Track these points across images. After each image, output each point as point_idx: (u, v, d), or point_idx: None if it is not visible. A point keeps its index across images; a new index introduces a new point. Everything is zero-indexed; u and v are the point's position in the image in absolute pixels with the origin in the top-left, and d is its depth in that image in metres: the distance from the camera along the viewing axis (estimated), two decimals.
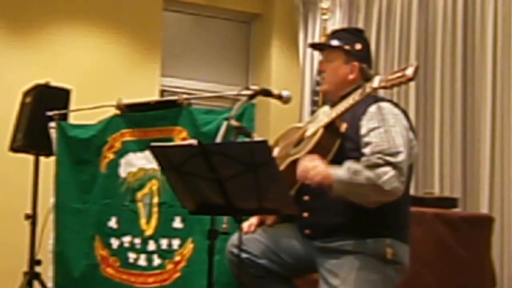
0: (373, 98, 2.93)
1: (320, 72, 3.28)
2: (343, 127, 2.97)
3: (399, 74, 2.69)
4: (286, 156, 3.03)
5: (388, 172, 2.76)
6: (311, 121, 3.12)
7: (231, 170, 2.66)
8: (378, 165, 2.78)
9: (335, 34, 3.30)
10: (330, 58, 3.19)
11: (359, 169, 2.79)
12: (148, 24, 6.77)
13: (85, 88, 5.95)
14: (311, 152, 2.91)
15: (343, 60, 3.15)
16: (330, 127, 2.92)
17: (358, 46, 3.18)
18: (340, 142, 2.93)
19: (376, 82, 2.77)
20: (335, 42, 3.19)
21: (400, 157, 2.80)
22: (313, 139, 2.92)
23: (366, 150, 2.85)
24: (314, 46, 3.53)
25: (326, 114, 3.01)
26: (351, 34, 3.26)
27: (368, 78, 3.03)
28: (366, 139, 2.89)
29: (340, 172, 2.80)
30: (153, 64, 6.76)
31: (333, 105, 3.04)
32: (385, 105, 2.99)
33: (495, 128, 4.74)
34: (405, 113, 3.07)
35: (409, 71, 2.66)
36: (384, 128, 2.87)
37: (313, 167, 2.83)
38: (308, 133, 3.01)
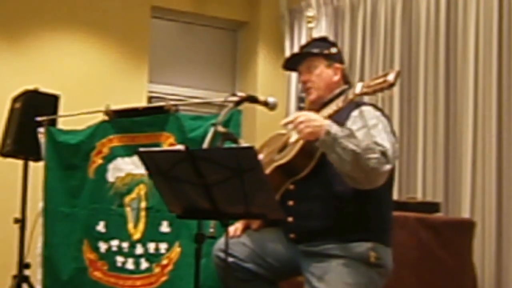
0: (355, 103, 2.96)
1: (303, 83, 3.25)
2: None
3: (380, 80, 2.72)
4: (271, 162, 3.05)
5: (377, 154, 2.75)
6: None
7: (218, 175, 2.67)
8: (372, 146, 2.76)
9: (307, 46, 3.34)
10: (311, 65, 3.21)
11: (355, 135, 2.79)
12: (136, 31, 6.78)
13: (73, 94, 5.96)
14: (294, 158, 2.94)
15: (325, 65, 3.19)
16: None
17: (334, 50, 3.24)
18: None
19: (358, 88, 2.80)
20: (313, 50, 3.22)
21: (387, 147, 2.79)
22: (297, 146, 2.94)
23: None
24: (293, 57, 3.45)
25: None
26: (322, 41, 3.32)
27: (348, 80, 3.11)
28: None
29: (335, 128, 2.79)
30: (141, 71, 6.78)
31: (316, 111, 3.02)
32: (367, 108, 3.02)
33: (476, 134, 4.77)
34: (387, 117, 3.10)
35: (390, 77, 2.69)
36: (368, 127, 2.90)
37: (310, 119, 2.83)
38: (292, 139, 3.02)
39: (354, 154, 2.74)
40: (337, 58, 3.24)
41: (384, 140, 2.84)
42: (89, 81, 6.51)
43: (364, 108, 3.01)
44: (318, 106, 3.13)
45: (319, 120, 2.82)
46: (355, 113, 2.99)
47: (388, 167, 2.79)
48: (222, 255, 3.11)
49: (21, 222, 4.87)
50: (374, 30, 5.88)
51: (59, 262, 4.43)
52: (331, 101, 3.02)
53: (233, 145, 3.13)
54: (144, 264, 4.01)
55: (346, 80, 3.22)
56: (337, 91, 3.15)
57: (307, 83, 3.24)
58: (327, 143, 2.78)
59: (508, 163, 4.58)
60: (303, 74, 3.26)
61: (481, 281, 4.45)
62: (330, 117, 2.90)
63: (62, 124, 4.85)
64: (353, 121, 2.96)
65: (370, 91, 2.76)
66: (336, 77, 3.20)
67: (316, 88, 3.20)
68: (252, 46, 7.27)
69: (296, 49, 6.61)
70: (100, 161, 4.32)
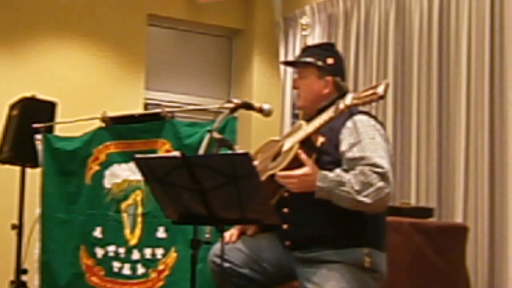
0: (349, 111, 2.94)
1: (294, 89, 3.29)
2: (320, 141, 3.00)
3: (370, 92, 2.75)
4: (265, 169, 3.04)
5: (375, 184, 2.81)
6: (288, 134, 3.13)
7: (213, 181, 2.68)
8: (367, 177, 2.82)
9: (307, 50, 3.31)
10: (303, 74, 3.23)
11: (345, 180, 2.83)
12: (133, 38, 6.80)
13: (70, 101, 5.97)
14: (287, 167, 2.92)
15: (316, 76, 3.18)
16: (306, 142, 2.95)
17: (330, 61, 3.20)
18: (316, 157, 2.96)
19: (348, 99, 2.82)
20: (307, 59, 3.21)
21: (385, 168, 2.85)
22: (289, 155, 2.94)
23: (351, 165, 2.89)
24: (287, 63, 3.54)
25: (302, 128, 3.02)
26: (322, 49, 3.29)
27: (342, 91, 3.10)
28: (349, 155, 2.93)
29: (325, 182, 2.85)
30: (137, 78, 6.79)
31: (309, 119, 3.06)
32: (361, 118, 3.03)
33: (469, 140, 4.80)
34: (381, 124, 3.12)
35: (380, 89, 2.72)
36: (365, 141, 2.91)
37: (299, 175, 2.88)
38: (285, 148, 3.02)
39: (350, 200, 2.84)
40: (332, 69, 3.19)
41: (383, 158, 2.89)
42: (86, 88, 6.52)
43: (357, 118, 3.02)
44: (312, 113, 3.14)
45: (309, 180, 2.88)
46: (349, 123, 3.01)
47: (387, 190, 2.84)
48: (218, 260, 3.10)
49: (19, 228, 4.88)
50: (368, 37, 5.90)
51: (56, 267, 4.44)
52: (325, 108, 3.01)
53: (229, 151, 3.13)
54: (140, 270, 4.02)
55: (339, 90, 3.17)
56: (329, 99, 3.13)
57: (298, 89, 3.28)
58: (323, 196, 2.88)
59: (500, 168, 4.61)
60: (296, 79, 3.30)
61: (474, 286, 4.46)
62: (321, 127, 2.93)
63: (59, 131, 4.87)
64: (349, 133, 2.98)
65: (360, 103, 2.81)
66: (326, 90, 3.17)
67: (303, 98, 3.23)
68: (247, 53, 7.28)
69: (290, 57, 6.67)
70: (97, 168, 4.34)
